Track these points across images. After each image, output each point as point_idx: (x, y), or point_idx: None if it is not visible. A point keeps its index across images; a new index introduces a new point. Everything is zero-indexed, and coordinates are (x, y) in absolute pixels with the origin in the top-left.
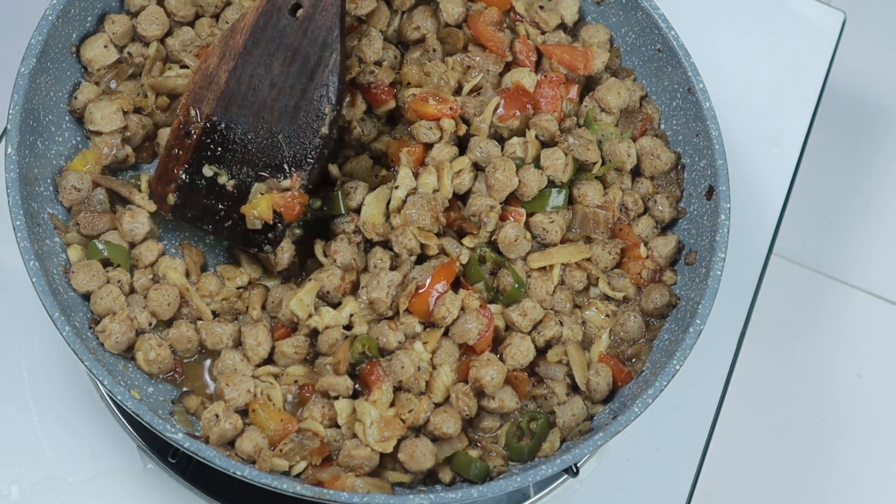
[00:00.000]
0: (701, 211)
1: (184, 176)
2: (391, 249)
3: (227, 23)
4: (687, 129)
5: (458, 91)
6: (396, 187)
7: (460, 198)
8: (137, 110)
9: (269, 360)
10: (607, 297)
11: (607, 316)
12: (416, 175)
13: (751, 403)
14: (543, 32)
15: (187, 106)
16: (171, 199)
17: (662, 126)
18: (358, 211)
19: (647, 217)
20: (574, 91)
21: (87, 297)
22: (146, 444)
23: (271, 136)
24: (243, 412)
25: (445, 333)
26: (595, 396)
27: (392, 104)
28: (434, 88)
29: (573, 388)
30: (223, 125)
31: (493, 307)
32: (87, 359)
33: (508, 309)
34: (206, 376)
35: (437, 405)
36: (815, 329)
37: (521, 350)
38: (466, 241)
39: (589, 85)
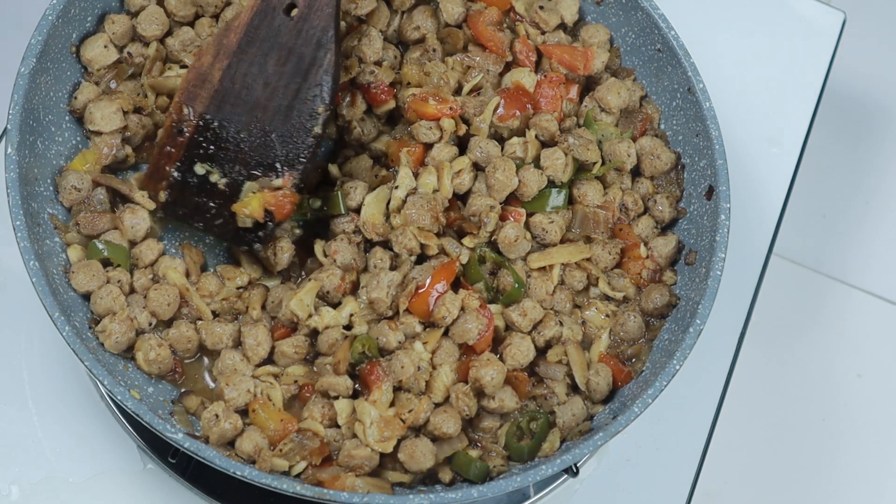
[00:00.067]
0: (701, 211)
1: (175, 174)
2: (391, 249)
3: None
4: (687, 129)
5: (458, 91)
6: (396, 187)
7: (460, 198)
8: (137, 110)
9: (269, 360)
10: (607, 297)
11: (607, 316)
12: (416, 175)
13: (751, 403)
14: (543, 32)
15: (180, 104)
16: (163, 196)
17: (662, 126)
18: (358, 211)
19: (647, 217)
20: (574, 91)
21: (87, 297)
22: (146, 444)
23: (264, 135)
24: (243, 412)
25: (445, 333)
26: (595, 396)
27: (392, 104)
28: (434, 88)
29: (573, 388)
30: (216, 123)
31: (493, 307)
32: (87, 359)
33: (508, 309)
34: (206, 376)
35: (437, 405)
36: (815, 329)
37: (521, 350)
38: (466, 241)
39: (589, 85)
